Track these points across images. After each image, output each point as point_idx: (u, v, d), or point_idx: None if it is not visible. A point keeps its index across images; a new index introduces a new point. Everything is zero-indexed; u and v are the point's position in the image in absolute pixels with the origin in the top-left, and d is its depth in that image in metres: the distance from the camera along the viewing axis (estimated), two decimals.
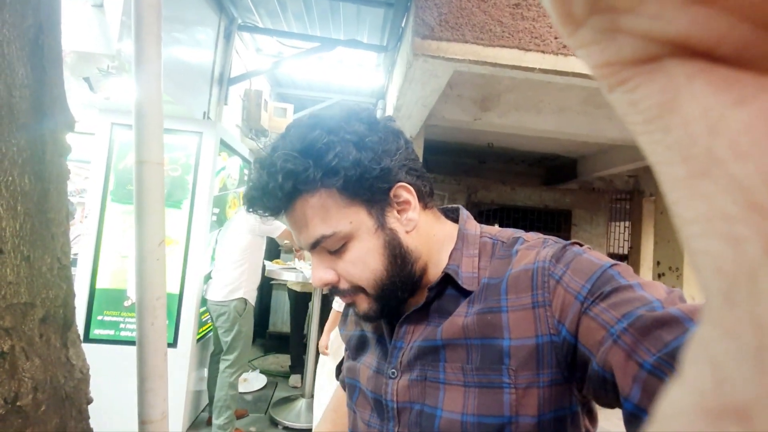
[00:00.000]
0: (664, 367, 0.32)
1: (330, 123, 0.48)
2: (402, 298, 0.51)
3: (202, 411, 2.54)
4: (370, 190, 0.47)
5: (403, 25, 2.25)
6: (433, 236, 0.53)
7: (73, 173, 3.39)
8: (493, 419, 0.44)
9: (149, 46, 0.85)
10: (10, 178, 0.60)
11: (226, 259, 2.33)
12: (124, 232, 2.08)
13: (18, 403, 0.62)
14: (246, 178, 0.52)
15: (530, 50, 1.80)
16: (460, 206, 0.58)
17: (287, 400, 2.74)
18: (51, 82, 0.69)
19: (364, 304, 0.50)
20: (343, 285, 0.49)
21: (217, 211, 2.43)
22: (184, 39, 2.02)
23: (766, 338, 0.08)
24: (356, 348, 0.62)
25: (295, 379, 3.20)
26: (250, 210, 0.50)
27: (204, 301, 2.34)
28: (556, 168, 5.43)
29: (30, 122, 0.64)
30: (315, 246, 0.48)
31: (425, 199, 0.52)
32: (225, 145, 2.39)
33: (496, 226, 0.57)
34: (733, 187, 0.08)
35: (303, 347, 3.25)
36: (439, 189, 5.43)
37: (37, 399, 0.65)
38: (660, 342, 0.33)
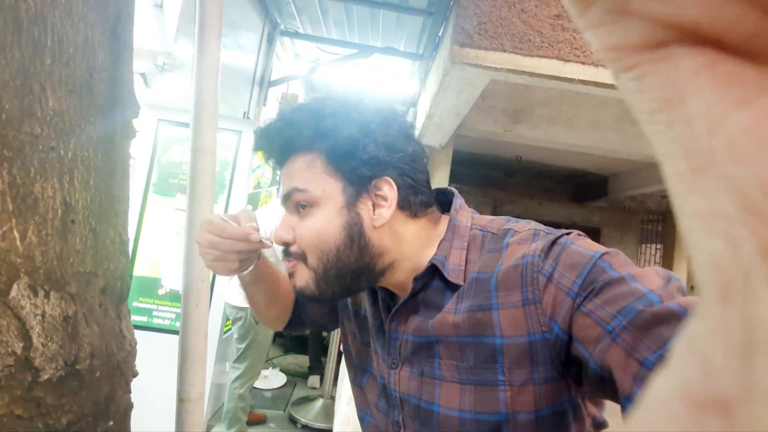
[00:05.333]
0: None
1: (348, 102, 0.51)
2: (349, 288, 0.51)
3: (223, 405, 2.58)
4: (353, 170, 0.48)
5: (440, 33, 2.28)
6: (417, 239, 0.52)
7: None
8: (490, 416, 0.44)
9: (210, 39, 0.90)
10: (86, 154, 0.65)
11: None
12: (163, 223, 2.16)
13: (77, 366, 0.65)
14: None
15: (570, 61, 1.80)
16: (455, 191, 0.57)
17: (306, 400, 2.75)
18: (124, 69, 0.74)
19: (302, 275, 0.50)
20: (294, 248, 0.50)
21: (250, 207, 2.49)
22: (229, 42, 2.11)
23: (754, 339, 0.08)
24: (360, 327, 0.62)
25: (313, 380, 3.21)
26: (256, 149, 0.54)
27: None
28: (585, 185, 5.32)
29: (105, 103, 0.68)
30: (287, 199, 0.51)
31: (413, 208, 0.51)
32: None
33: (488, 216, 0.55)
34: (731, 189, 0.08)
35: (323, 349, 3.26)
36: (464, 200, 5.40)
37: (92, 365, 0.68)
38: (660, 339, 0.32)
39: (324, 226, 0.48)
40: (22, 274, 0.57)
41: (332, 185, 0.48)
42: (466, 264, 0.50)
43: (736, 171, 0.08)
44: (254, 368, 2.21)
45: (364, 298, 0.61)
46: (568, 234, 0.47)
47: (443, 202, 0.57)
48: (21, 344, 0.56)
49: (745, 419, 0.08)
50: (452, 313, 0.48)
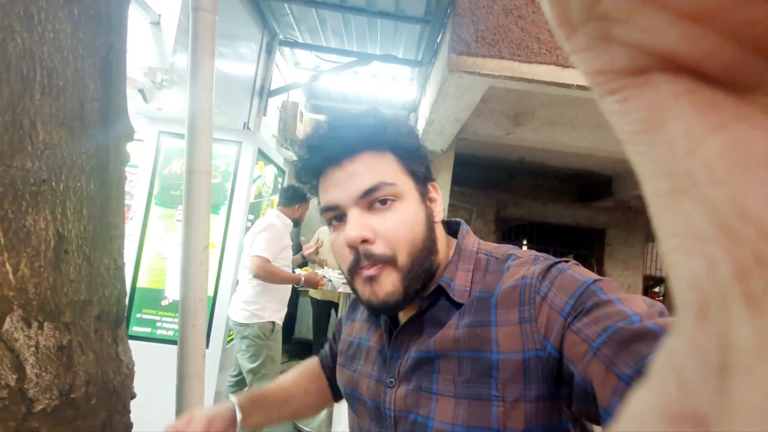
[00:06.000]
0: (642, 379, 0.32)
1: (395, 115, 0.56)
2: (420, 287, 0.52)
3: None
4: (418, 171, 0.54)
5: (438, 40, 2.27)
6: (442, 244, 0.56)
7: None
8: (482, 431, 0.45)
9: (203, 63, 0.90)
10: (78, 184, 0.65)
11: (244, 273, 2.13)
12: (165, 234, 2.18)
13: (72, 395, 0.66)
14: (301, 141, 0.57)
15: (568, 66, 1.78)
16: (461, 221, 0.61)
17: None
18: (116, 95, 0.75)
19: (389, 280, 0.49)
20: (378, 248, 0.48)
21: (252, 217, 2.50)
22: (229, 53, 2.12)
23: (729, 358, 0.08)
24: (352, 356, 0.64)
25: None
26: (305, 155, 0.53)
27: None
28: (590, 185, 5.28)
29: (97, 132, 0.69)
30: (369, 193, 0.49)
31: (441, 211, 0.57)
32: (262, 155, 2.47)
33: (494, 243, 0.59)
34: (708, 209, 0.08)
35: None
36: (467, 203, 5.37)
37: (88, 392, 0.69)
38: (638, 355, 0.34)
39: (413, 217, 0.51)
40: (15, 307, 0.57)
41: (409, 182, 0.52)
42: (471, 285, 0.52)
43: (713, 192, 0.08)
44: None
45: (362, 327, 0.64)
46: (566, 261, 0.49)
47: (449, 232, 0.60)
48: (15, 376, 0.57)
49: None
50: (453, 328, 0.50)
